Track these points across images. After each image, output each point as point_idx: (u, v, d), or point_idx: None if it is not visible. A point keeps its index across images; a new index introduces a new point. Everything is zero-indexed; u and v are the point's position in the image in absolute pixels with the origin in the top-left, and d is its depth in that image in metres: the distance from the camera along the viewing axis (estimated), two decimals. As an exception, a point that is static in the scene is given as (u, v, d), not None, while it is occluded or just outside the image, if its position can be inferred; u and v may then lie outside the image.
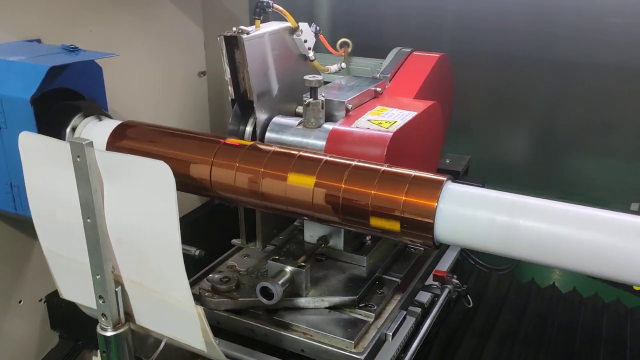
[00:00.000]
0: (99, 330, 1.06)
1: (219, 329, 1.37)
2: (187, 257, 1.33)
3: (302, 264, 1.36)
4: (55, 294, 1.75)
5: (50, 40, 1.63)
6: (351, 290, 1.39)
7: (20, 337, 1.69)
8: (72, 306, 1.71)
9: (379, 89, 1.55)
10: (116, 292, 1.04)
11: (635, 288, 1.80)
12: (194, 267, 1.51)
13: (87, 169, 0.94)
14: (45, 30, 1.62)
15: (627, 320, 1.74)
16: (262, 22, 1.40)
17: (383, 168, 1.13)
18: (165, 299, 1.00)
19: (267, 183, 1.18)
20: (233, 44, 1.31)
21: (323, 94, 1.39)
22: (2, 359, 1.65)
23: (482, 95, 2.18)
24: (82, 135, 1.41)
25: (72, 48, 1.47)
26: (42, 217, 1.09)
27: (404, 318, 1.40)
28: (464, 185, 1.10)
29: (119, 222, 0.98)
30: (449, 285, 1.55)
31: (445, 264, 1.68)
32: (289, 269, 1.35)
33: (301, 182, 1.16)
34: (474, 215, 1.03)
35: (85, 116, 1.41)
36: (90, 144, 0.94)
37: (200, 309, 0.97)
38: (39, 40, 1.62)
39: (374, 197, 1.09)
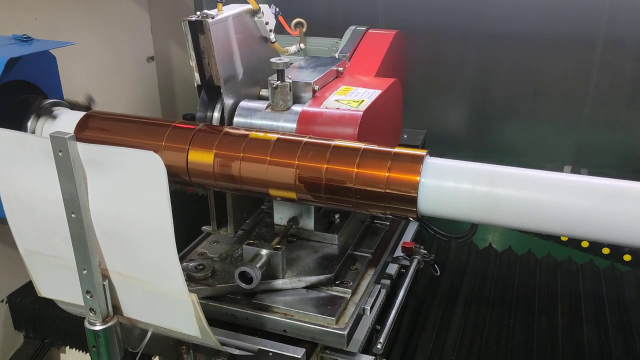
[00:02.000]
0: (87, 325, 1.07)
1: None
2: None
3: (278, 246, 1.40)
4: (17, 294, 1.73)
5: None
6: (327, 269, 1.44)
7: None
8: (36, 305, 1.70)
9: (340, 69, 1.59)
10: (104, 286, 1.05)
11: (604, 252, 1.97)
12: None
13: (70, 164, 0.94)
14: None
15: (579, 276, 1.89)
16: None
17: (363, 146, 1.17)
18: (157, 288, 1.02)
19: (245, 167, 1.21)
20: (197, 28, 1.31)
21: (289, 76, 1.41)
22: None
23: (418, 70, 2.27)
24: (44, 129, 1.38)
25: (25, 38, 1.43)
26: (17, 217, 1.08)
27: (379, 292, 1.47)
28: (443, 159, 1.17)
29: (107, 216, 0.99)
30: (417, 256, 1.64)
31: (407, 236, 1.76)
32: (264, 252, 1.38)
33: (283, 165, 1.19)
34: (455, 187, 1.11)
35: (41, 113, 1.39)
36: (73, 137, 0.94)
37: (194, 296, 1.00)
38: None
39: (357, 175, 1.14)
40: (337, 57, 1.69)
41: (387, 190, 1.12)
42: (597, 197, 1.02)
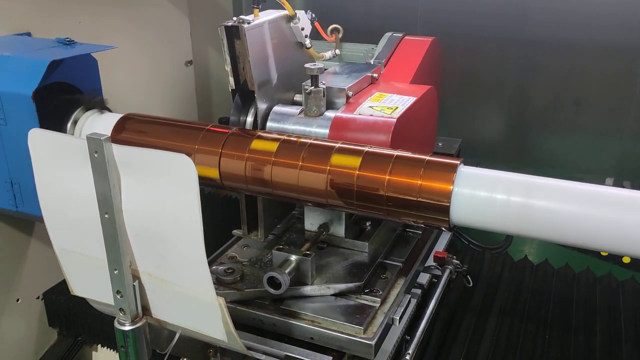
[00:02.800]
0: (116, 325, 1.09)
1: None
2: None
3: (307, 252, 1.41)
4: (52, 291, 1.78)
5: (39, 33, 1.63)
6: (356, 277, 1.44)
7: (18, 335, 1.71)
8: (70, 303, 1.74)
9: (375, 75, 1.59)
10: (134, 286, 1.07)
11: (625, 261, 1.90)
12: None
13: (105, 165, 0.97)
14: (34, 23, 1.63)
15: (619, 293, 1.84)
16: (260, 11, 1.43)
17: (396, 153, 1.17)
18: (185, 291, 1.04)
19: (277, 171, 1.22)
20: (234, 33, 1.33)
21: (323, 82, 1.42)
22: (1, 358, 1.66)
23: (456, 77, 2.25)
24: (83, 129, 1.41)
25: (68, 41, 1.47)
26: (53, 215, 1.11)
27: (409, 302, 1.46)
28: (476, 168, 1.15)
29: (139, 217, 1.01)
30: (449, 266, 1.62)
31: (440, 246, 1.74)
32: (294, 257, 1.39)
33: (315, 170, 1.20)
34: (489, 197, 1.09)
35: (86, 110, 1.43)
36: (108, 139, 0.96)
37: (221, 299, 1.01)
38: (29, 34, 1.61)
39: (389, 183, 1.14)
40: (372, 63, 1.69)
41: (420, 199, 1.11)
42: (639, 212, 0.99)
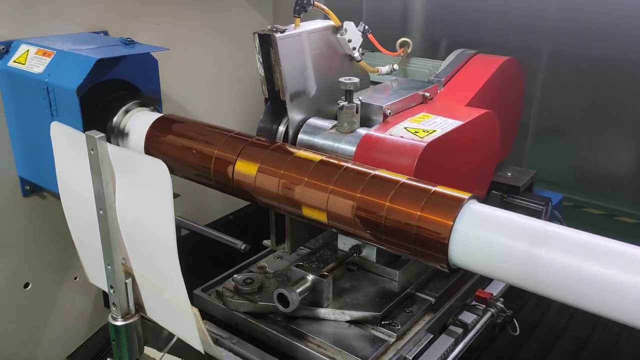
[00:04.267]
0: (109, 319, 1.16)
1: (237, 329, 1.44)
2: (233, 250, 1.42)
3: (325, 273, 1.40)
4: None
5: (116, 33, 1.75)
6: (375, 306, 1.41)
7: (74, 312, 1.86)
8: None
9: (427, 94, 1.54)
10: (126, 283, 1.13)
11: None
12: (240, 261, 1.63)
13: (98, 162, 1.04)
14: (112, 23, 1.75)
15: None
16: (309, 20, 1.45)
17: (403, 180, 1.13)
18: (167, 296, 1.08)
19: (307, 193, 1.22)
20: (267, 42, 1.37)
21: (360, 98, 1.41)
22: (56, 331, 1.81)
23: (577, 100, 2.13)
24: (126, 125, 1.52)
25: (128, 41, 1.59)
26: (69, 205, 1.21)
27: (430, 342, 1.40)
28: (489, 207, 1.08)
29: (127, 217, 1.07)
30: (491, 309, 1.53)
31: (497, 286, 1.65)
32: (310, 277, 1.39)
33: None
34: (492, 239, 1.01)
35: (138, 107, 1.54)
36: (103, 137, 1.03)
37: (195, 310, 1.04)
38: (105, 33, 1.75)
39: (388, 209, 1.11)
40: (431, 80, 1.65)
41: (418, 232, 1.07)
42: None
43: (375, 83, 1.67)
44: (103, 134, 1.04)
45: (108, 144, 1.04)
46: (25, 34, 1.55)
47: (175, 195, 1.66)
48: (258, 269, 1.60)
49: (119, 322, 1.15)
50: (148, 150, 1.47)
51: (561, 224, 1.87)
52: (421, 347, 1.37)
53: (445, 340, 1.46)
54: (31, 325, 1.76)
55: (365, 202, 1.13)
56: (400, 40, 1.78)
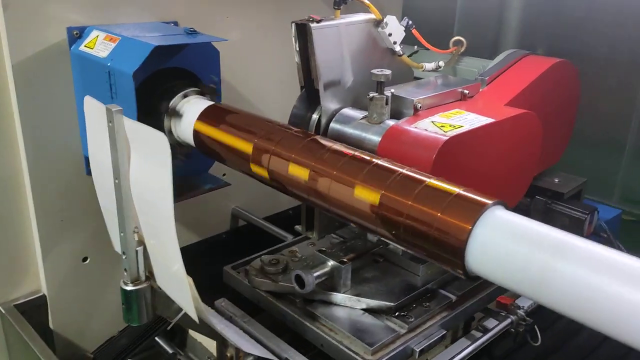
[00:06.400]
0: (121, 283, 1.14)
1: (258, 307, 1.39)
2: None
3: (345, 260, 1.32)
4: None
5: (185, 23, 1.72)
6: (392, 297, 1.31)
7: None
8: None
9: (466, 91, 1.41)
10: (137, 251, 1.10)
11: None
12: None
13: (115, 134, 1.01)
14: (182, 14, 1.73)
15: None
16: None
17: (428, 180, 1.01)
18: (169, 264, 1.04)
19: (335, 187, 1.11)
20: (304, 31, 1.29)
21: (392, 90, 1.31)
22: (110, 306, 1.78)
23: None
24: (181, 108, 1.48)
25: (191, 31, 1.56)
26: (97, 175, 1.21)
27: (443, 337, 1.28)
28: (515, 214, 0.93)
29: (138, 187, 1.04)
30: (512, 316, 1.37)
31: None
32: (330, 263, 1.32)
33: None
34: (510, 247, 0.87)
35: (193, 95, 1.50)
36: (120, 111, 1.01)
37: (190, 279, 1.00)
38: (175, 23, 1.75)
39: (410, 208, 0.99)
40: (475, 79, 1.51)
41: (435, 234, 0.94)
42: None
43: (420, 79, 1.55)
44: (120, 107, 1.00)
45: (125, 118, 1.01)
46: (99, 21, 1.57)
47: (226, 184, 1.64)
48: (289, 252, 1.53)
49: (129, 287, 1.13)
50: (196, 136, 1.42)
51: (608, 237, 1.65)
52: (431, 341, 1.25)
53: (463, 342, 1.33)
54: (86, 298, 1.77)
55: (388, 200, 1.01)
56: (453, 39, 1.65)
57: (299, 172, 1.15)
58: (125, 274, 1.13)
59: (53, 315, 1.73)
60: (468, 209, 0.92)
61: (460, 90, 1.41)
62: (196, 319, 1.04)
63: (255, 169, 1.23)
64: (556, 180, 1.65)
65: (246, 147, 1.24)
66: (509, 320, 1.36)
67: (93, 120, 1.15)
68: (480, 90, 1.47)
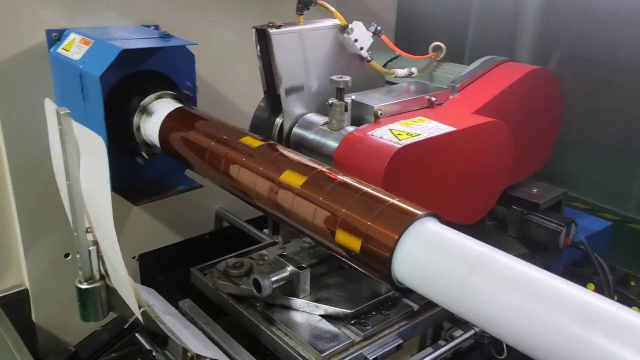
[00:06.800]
0: (76, 282, 1.16)
1: (221, 310, 1.40)
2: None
3: (303, 265, 1.32)
4: (145, 256, 1.92)
5: (167, 27, 1.74)
6: (350, 304, 1.31)
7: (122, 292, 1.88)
8: (161, 265, 1.88)
9: (433, 99, 1.40)
10: (90, 250, 1.12)
11: None
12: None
13: (64, 136, 1.04)
14: (163, 18, 1.75)
15: None
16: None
17: (365, 189, 1.00)
18: (115, 265, 1.06)
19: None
20: (264, 36, 1.30)
21: (352, 96, 1.30)
22: None
23: None
24: (153, 107, 1.50)
25: (164, 35, 1.59)
26: (58, 177, 1.23)
27: (399, 347, 1.27)
28: (446, 227, 0.92)
29: (85, 188, 1.06)
30: (476, 328, 1.35)
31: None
32: (290, 268, 1.32)
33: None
34: (434, 260, 0.87)
35: (162, 97, 1.52)
36: (68, 114, 1.03)
37: (131, 280, 1.01)
38: (156, 27, 1.77)
39: (344, 215, 0.99)
40: (446, 86, 1.49)
41: (365, 243, 0.94)
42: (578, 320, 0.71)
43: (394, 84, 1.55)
44: (69, 111, 1.03)
45: (73, 121, 1.03)
46: (78, 24, 1.60)
47: (199, 186, 1.66)
48: (258, 256, 1.54)
49: (83, 286, 1.15)
50: (161, 136, 1.44)
51: (586, 249, 1.62)
52: (386, 349, 1.24)
53: (425, 352, 1.32)
54: (68, 293, 1.77)
55: (327, 207, 1.01)
56: (433, 45, 1.63)
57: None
58: (80, 272, 1.15)
59: (35, 308, 1.77)
60: (397, 219, 0.91)
61: (427, 97, 1.40)
62: (139, 317, 1.05)
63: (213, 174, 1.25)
64: (534, 191, 1.62)
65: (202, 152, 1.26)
66: (472, 332, 1.34)
67: (51, 123, 1.18)
68: (450, 97, 1.45)
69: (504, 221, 1.62)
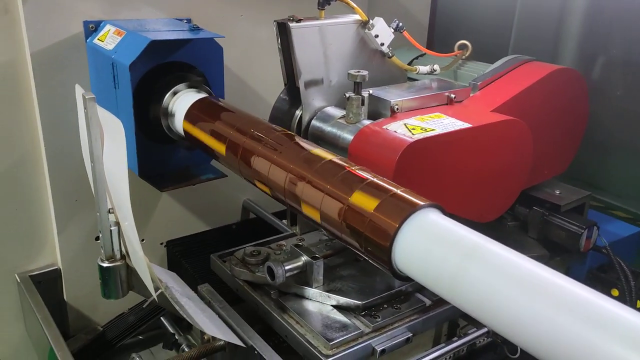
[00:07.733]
0: (98, 260, 1.22)
1: (238, 297, 1.44)
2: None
3: (317, 256, 1.35)
4: (173, 242, 1.98)
5: (199, 20, 1.80)
6: (362, 296, 1.33)
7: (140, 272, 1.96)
8: (187, 251, 1.94)
9: (452, 96, 1.40)
10: (111, 230, 1.18)
11: None
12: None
13: (88, 120, 1.10)
14: (196, 11, 1.80)
15: None
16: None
17: (370, 179, 1.03)
18: (134, 246, 1.11)
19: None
20: (284, 30, 1.33)
21: (370, 91, 1.33)
22: None
23: None
24: (177, 102, 1.56)
25: (194, 27, 1.64)
26: (86, 160, 1.29)
27: (408, 340, 1.28)
28: (445, 218, 0.93)
29: (108, 169, 1.12)
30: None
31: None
32: (303, 258, 1.35)
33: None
34: (429, 247, 0.89)
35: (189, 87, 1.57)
36: (93, 98, 1.09)
37: (146, 259, 1.06)
38: (189, 20, 1.83)
39: (349, 203, 1.02)
40: (468, 84, 1.49)
41: (367, 231, 0.97)
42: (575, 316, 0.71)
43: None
44: (93, 95, 1.08)
45: (97, 105, 1.09)
46: (114, 17, 1.67)
47: (223, 175, 1.70)
48: (276, 245, 1.57)
49: (105, 264, 1.20)
50: (186, 135, 1.48)
51: (608, 253, 1.59)
52: (395, 342, 1.25)
53: (438, 347, 1.33)
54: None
55: (332, 194, 1.04)
56: (458, 43, 1.64)
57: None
58: (102, 251, 1.21)
59: (67, 288, 1.86)
60: (399, 208, 0.93)
61: (446, 94, 1.40)
62: (153, 294, 1.10)
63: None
64: (557, 192, 1.60)
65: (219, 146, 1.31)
66: (484, 329, 1.35)
67: (80, 107, 1.24)
68: (471, 95, 1.45)
69: (525, 222, 1.61)
